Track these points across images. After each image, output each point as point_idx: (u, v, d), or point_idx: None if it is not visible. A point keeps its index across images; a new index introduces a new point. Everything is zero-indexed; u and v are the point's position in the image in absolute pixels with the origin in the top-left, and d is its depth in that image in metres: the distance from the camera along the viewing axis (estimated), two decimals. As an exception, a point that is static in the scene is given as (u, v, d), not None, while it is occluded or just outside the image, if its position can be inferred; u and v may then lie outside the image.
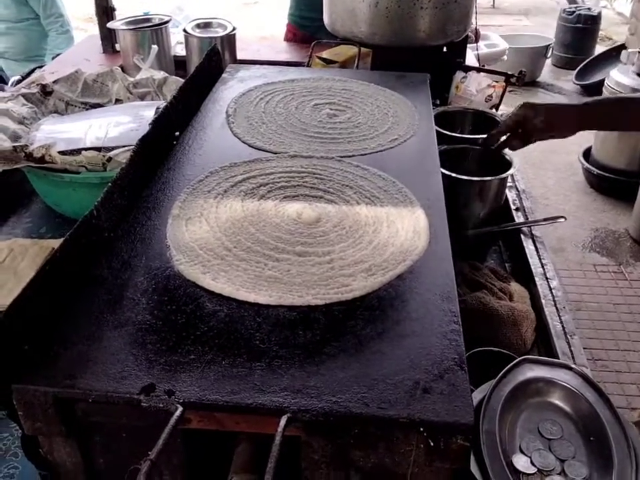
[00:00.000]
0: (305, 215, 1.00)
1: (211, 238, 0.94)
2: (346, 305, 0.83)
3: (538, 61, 5.55)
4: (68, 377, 0.71)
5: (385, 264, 0.90)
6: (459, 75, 2.00)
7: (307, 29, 2.40)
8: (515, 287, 1.33)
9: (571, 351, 1.13)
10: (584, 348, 2.45)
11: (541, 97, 5.42)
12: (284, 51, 2.47)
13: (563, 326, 1.19)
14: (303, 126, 1.30)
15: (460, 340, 0.77)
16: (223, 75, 1.55)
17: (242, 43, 2.36)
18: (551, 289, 1.29)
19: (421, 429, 0.67)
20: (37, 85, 1.74)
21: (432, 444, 0.68)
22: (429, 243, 0.95)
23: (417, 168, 1.16)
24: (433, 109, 1.61)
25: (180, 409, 0.67)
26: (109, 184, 0.95)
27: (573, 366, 0.84)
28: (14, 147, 1.39)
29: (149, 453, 0.61)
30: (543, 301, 1.25)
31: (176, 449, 0.75)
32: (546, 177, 4.15)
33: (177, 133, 1.26)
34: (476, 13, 2.49)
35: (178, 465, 0.77)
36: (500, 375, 0.86)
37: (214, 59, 1.53)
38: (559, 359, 1.09)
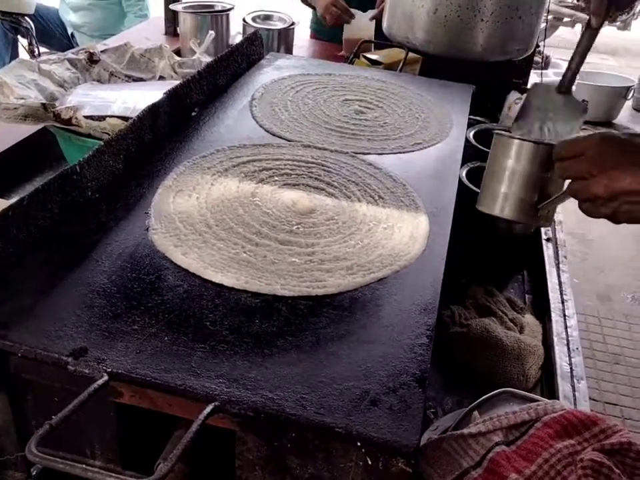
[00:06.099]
0: (300, 204, 0.95)
1: (194, 212, 0.90)
2: (314, 300, 0.76)
3: (616, 102, 5.29)
4: (2, 327, 0.67)
5: (369, 265, 0.83)
6: (514, 95, 1.90)
7: (322, 34, 2.62)
8: (528, 319, 1.22)
9: (574, 395, 1.02)
10: (613, 404, 2.26)
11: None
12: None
13: (571, 368, 1.08)
14: (326, 118, 1.24)
15: (427, 356, 0.69)
16: (261, 61, 1.52)
17: (299, 40, 2.33)
18: (566, 327, 1.18)
19: (358, 444, 0.60)
20: (85, 52, 1.76)
21: (370, 462, 0.61)
22: (424, 251, 0.87)
23: (432, 174, 1.09)
24: (475, 124, 1.53)
25: (105, 377, 0.63)
26: (101, 143, 0.92)
27: (556, 405, 0.75)
28: (43, 104, 1.39)
29: (53, 417, 0.57)
30: (555, 339, 1.15)
31: (109, 422, 0.70)
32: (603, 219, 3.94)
33: (196, 109, 1.22)
34: (545, 38, 2.38)
35: (110, 440, 0.72)
36: (474, 404, 0.78)
37: (255, 43, 1.50)
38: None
